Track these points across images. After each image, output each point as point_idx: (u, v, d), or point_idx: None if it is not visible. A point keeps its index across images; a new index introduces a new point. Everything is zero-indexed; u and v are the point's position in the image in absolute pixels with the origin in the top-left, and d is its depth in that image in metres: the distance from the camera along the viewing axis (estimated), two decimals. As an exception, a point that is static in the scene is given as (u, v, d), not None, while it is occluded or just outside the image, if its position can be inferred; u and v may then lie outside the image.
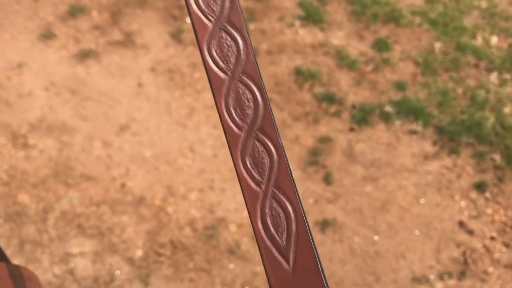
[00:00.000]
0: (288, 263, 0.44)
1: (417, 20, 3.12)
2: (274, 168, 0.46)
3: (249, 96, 0.46)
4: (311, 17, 3.02)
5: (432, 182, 2.39)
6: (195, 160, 2.36)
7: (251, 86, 0.46)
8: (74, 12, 2.88)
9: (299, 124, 2.54)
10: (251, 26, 2.95)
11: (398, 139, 2.53)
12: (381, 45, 2.92)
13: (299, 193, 0.47)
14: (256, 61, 0.47)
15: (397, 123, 2.58)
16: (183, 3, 2.86)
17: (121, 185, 2.24)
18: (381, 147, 2.49)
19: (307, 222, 0.46)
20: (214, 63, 0.46)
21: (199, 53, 2.67)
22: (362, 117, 2.56)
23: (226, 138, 0.46)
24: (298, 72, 2.74)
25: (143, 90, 2.58)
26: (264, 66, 2.77)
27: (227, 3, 0.46)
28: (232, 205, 2.23)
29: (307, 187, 2.32)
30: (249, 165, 0.46)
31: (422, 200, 2.32)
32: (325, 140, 2.48)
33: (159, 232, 2.13)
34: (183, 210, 2.20)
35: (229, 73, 0.46)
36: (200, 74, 2.69)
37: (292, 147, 2.45)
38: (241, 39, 0.47)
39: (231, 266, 2.08)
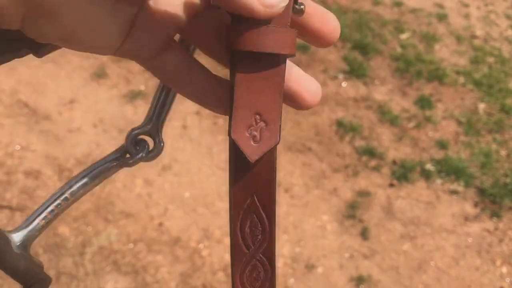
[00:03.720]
0: None
1: (461, 79, 3.12)
2: None
3: None
4: (355, 71, 3.07)
5: (472, 245, 2.33)
6: (232, 204, 2.38)
7: None
8: (127, 54, 3.01)
9: (338, 176, 2.54)
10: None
11: (438, 198, 2.49)
12: (424, 103, 2.92)
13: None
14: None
15: (438, 181, 2.55)
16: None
17: (159, 224, 2.27)
18: (421, 205, 2.45)
19: None
20: None
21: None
22: (403, 173, 2.54)
23: None
24: (339, 124, 2.76)
25: (187, 132, 2.64)
26: (305, 116, 2.80)
27: (267, 283, 0.50)
28: (266, 253, 2.23)
29: (343, 241, 2.29)
30: None
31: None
32: (364, 194, 2.46)
33: (192, 274, 2.14)
34: (217, 254, 2.20)
35: None
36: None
37: (330, 198, 2.45)
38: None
39: (262, 315, 2.05)
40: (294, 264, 2.20)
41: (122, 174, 2.44)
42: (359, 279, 2.17)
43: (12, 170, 2.39)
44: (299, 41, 0.35)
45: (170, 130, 2.65)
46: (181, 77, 0.37)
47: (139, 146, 0.51)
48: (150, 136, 0.51)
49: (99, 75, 2.88)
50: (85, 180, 0.50)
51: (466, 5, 3.73)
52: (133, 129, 0.51)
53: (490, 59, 3.29)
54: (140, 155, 0.51)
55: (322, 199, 2.44)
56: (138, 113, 2.71)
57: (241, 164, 0.41)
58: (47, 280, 0.51)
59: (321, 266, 2.20)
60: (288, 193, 2.44)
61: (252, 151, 0.39)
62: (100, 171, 0.50)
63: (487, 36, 3.49)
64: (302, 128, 2.74)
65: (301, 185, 2.49)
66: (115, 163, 0.50)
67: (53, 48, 0.37)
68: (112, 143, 2.56)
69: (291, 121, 2.76)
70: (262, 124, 0.38)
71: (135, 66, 2.97)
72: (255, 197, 0.45)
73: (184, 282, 2.11)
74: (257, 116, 0.38)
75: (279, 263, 2.18)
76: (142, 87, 2.85)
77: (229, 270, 2.19)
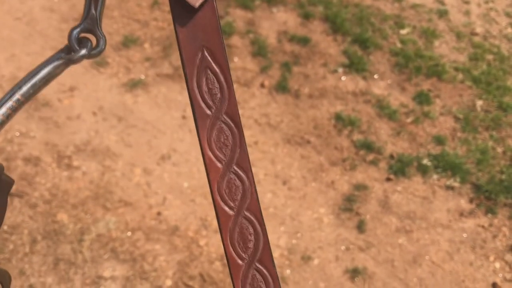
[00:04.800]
0: None
1: (460, 76, 3.14)
2: None
3: (251, 230, 0.52)
4: (355, 65, 3.08)
5: (467, 240, 2.36)
6: (230, 195, 2.39)
7: (253, 222, 0.52)
8: (128, 43, 3.01)
9: (336, 169, 2.55)
10: (295, 69, 3.02)
11: (434, 193, 2.52)
12: (422, 98, 2.94)
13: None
14: (258, 201, 0.52)
15: (434, 177, 2.57)
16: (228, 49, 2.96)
17: (157, 213, 2.29)
18: (417, 200, 2.48)
19: None
20: (223, 201, 0.52)
21: (241, 94, 2.72)
22: (400, 167, 2.57)
23: (229, 269, 0.52)
24: (338, 117, 2.78)
25: (187, 123, 2.65)
26: (305, 109, 2.82)
27: (237, 149, 0.51)
28: (263, 243, 2.24)
29: (340, 233, 2.32)
30: None
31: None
32: (361, 187, 2.48)
33: (190, 264, 2.16)
34: (215, 244, 2.22)
35: (235, 210, 0.52)
36: (242, 111, 2.76)
37: (327, 191, 2.46)
38: (247, 180, 0.52)
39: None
40: (291, 255, 2.22)
41: (121, 163, 2.45)
42: (355, 271, 2.19)
43: (11, 157, 2.40)
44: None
45: (169, 120, 2.66)
46: None
47: (83, 44, 0.53)
48: (91, 32, 0.53)
49: (100, 63, 2.88)
50: (34, 80, 0.52)
51: (467, 2, 3.74)
52: (73, 28, 0.53)
53: (489, 57, 3.31)
54: (83, 51, 0.53)
55: (319, 191, 2.46)
56: (138, 102, 2.71)
57: (186, 17, 0.44)
58: (9, 181, 0.54)
59: (317, 258, 2.22)
60: (286, 185, 2.46)
61: None
62: (47, 71, 0.52)
63: (487, 33, 3.50)
64: (301, 121, 2.75)
65: (299, 177, 2.50)
66: (61, 61, 0.52)
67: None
68: (111, 131, 2.57)
69: (290, 114, 2.78)
70: None
71: (135, 55, 2.96)
72: (205, 51, 0.47)
73: (182, 271, 2.13)
74: None
75: (276, 253, 2.20)
76: (142, 76, 2.85)
77: (226, 261, 2.21)
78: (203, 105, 0.49)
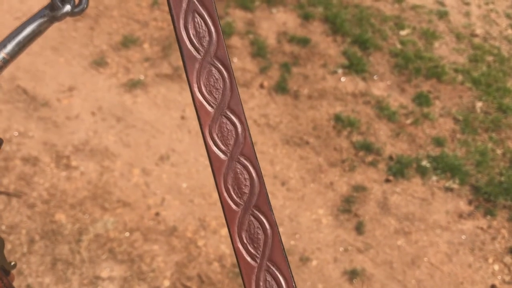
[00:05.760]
0: None
1: (460, 78, 3.13)
2: (268, 243, 0.49)
3: (246, 175, 0.50)
4: (354, 66, 3.07)
5: (466, 242, 2.35)
6: (229, 196, 2.38)
7: (248, 167, 0.50)
8: (127, 43, 3.00)
9: (335, 170, 2.55)
10: (294, 70, 3.02)
11: (433, 195, 2.51)
12: (422, 99, 2.94)
13: (290, 268, 0.51)
14: (252, 144, 0.51)
15: (434, 178, 2.57)
16: (231, 43, 2.96)
17: (155, 214, 2.28)
18: (416, 201, 2.47)
19: None
20: (215, 145, 0.50)
21: (240, 94, 2.71)
22: (399, 169, 2.56)
23: (224, 215, 0.50)
24: (337, 118, 2.77)
25: (186, 123, 2.65)
26: (304, 110, 2.81)
27: (228, 92, 0.50)
28: (262, 244, 2.24)
29: (338, 235, 2.31)
30: (245, 240, 0.49)
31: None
32: (360, 188, 2.48)
33: (188, 264, 2.15)
34: (213, 245, 2.22)
35: (228, 154, 0.50)
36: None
37: (326, 192, 2.46)
38: (240, 124, 0.51)
39: (256, 306, 2.07)
40: (289, 256, 2.22)
41: (120, 163, 2.44)
42: (353, 273, 2.19)
43: (10, 156, 2.40)
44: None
45: (168, 120, 2.65)
46: None
47: (66, 1, 0.53)
48: None
49: (99, 63, 2.88)
50: (18, 38, 0.52)
51: (467, 3, 3.73)
52: None
53: (489, 58, 3.30)
54: (66, 8, 0.53)
55: (318, 192, 2.46)
56: (137, 102, 2.71)
57: None
58: None
59: (315, 259, 2.22)
60: (285, 186, 2.46)
61: None
62: (32, 29, 0.52)
63: (487, 35, 3.50)
64: (300, 122, 2.75)
65: (298, 178, 2.50)
66: (44, 19, 0.53)
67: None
68: (110, 131, 2.56)
69: (290, 115, 2.77)
70: None
71: (135, 55, 2.96)
72: None
73: (180, 271, 2.13)
74: None
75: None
76: (142, 77, 2.85)
77: (224, 261, 2.20)
78: (191, 47, 0.48)
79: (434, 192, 2.52)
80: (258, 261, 0.49)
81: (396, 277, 2.21)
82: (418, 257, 2.28)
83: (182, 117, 2.67)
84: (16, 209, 2.23)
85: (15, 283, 2.05)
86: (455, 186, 2.55)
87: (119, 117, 2.63)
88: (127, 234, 2.21)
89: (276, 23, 3.29)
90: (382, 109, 2.86)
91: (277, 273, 0.48)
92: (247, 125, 0.51)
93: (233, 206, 0.50)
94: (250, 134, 0.51)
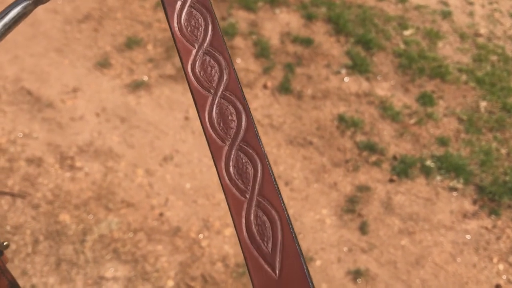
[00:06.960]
0: (274, 271, 0.44)
1: (464, 77, 3.12)
2: (258, 177, 0.47)
3: (232, 110, 0.49)
4: (358, 67, 3.07)
5: (470, 242, 2.35)
6: (233, 196, 2.38)
7: (234, 101, 0.49)
8: (131, 44, 3.01)
9: (339, 170, 2.55)
10: (298, 70, 3.02)
11: (438, 195, 2.50)
12: (425, 99, 2.93)
13: (288, 212, 0.48)
14: (238, 79, 0.50)
15: (438, 178, 2.56)
16: (232, 44, 2.96)
17: (159, 214, 2.29)
18: (420, 201, 2.47)
19: (293, 230, 0.45)
20: (198, 83, 0.49)
21: (249, 94, 2.72)
22: (403, 169, 2.56)
23: (211, 152, 0.48)
24: (341, 118, 2.77)
25: (189, 124, 2.65)
26: (307, 110, 2.81)
27: (210, 31, 0.50)
28: (265, 245, 2.24)
29: (342, 235, 2.31)
30: (233, 176, 0.47)
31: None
32: (364, 188, 2.47)
33: (192, 264, 2.15)
34: (216, 245, 2.22)
35: (212, 91, 0.49)
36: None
37: (330, 192, 2.46)
38: (223, 60, 0.50)
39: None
40: (293, 256, 2.21)
41: (124, 164, 2.45)
42: (357, 273, 2.18)
43: (14, 157, 2.41)
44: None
45: (172, 121, 2.66)
46: None
47: None
48: None
49: (103, 64, 2.89)
50: (4, 20, 0.52)
51: (471, 3, 3.73)
52: None
53: (493, 58, 3.29)
54: None
55: (322, 193, 2.45)
56: (140, 103, 2.71)
57: None
58: None
59: (319, 259, 2.22)
60: (288, 186, 2.46)
61: None
62: (17, 11, 0.53)
63: (491, 34, 3.49)
64: (303, 122, 2.75)
65: (301, 178, 2.50)
66: (29, 1, 0.53)
67: None
68: (114, 132, 2.57)
69: (293, 115, 2.77)
70: None
71: (138, 56, 2.97)
72: None
73: (183, 272, 2.13)
74: None
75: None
76: (145, 78, 2.85)
77: (228, 261, 2.20)
78: (179, 30, 0.48)
79: (438, 192, 2.51)
80: (248, 196, 0.46)
81: (401, 277, 2.20)
82: (423, 257, 2.27)
83: (186, 118, 2.68)
84: (21, 209, 2.24)
85: (19, 283, 2.06)
86: (460, 185, 2.54)
87: (123, 118, 2.64)
88: (131, 234, 2.22)
89: (279, 23, 3.29)
90: (385, 109, 2.86)
91: (269, 207, 0.46)
92: (232, 62, 0.50)
93: (219, 142, 0.48)
94: (235, 70, 0.50)
